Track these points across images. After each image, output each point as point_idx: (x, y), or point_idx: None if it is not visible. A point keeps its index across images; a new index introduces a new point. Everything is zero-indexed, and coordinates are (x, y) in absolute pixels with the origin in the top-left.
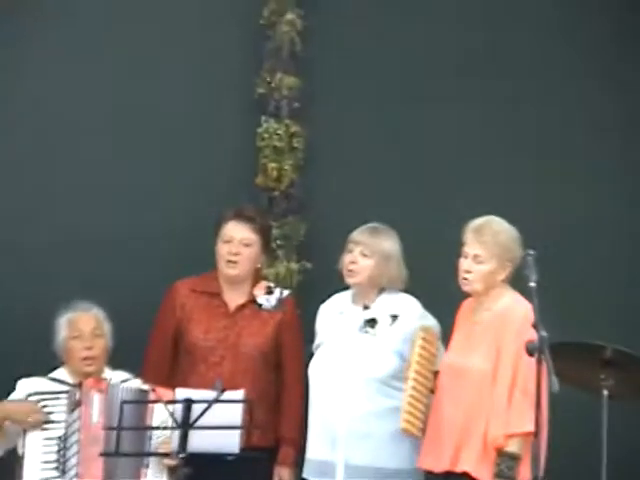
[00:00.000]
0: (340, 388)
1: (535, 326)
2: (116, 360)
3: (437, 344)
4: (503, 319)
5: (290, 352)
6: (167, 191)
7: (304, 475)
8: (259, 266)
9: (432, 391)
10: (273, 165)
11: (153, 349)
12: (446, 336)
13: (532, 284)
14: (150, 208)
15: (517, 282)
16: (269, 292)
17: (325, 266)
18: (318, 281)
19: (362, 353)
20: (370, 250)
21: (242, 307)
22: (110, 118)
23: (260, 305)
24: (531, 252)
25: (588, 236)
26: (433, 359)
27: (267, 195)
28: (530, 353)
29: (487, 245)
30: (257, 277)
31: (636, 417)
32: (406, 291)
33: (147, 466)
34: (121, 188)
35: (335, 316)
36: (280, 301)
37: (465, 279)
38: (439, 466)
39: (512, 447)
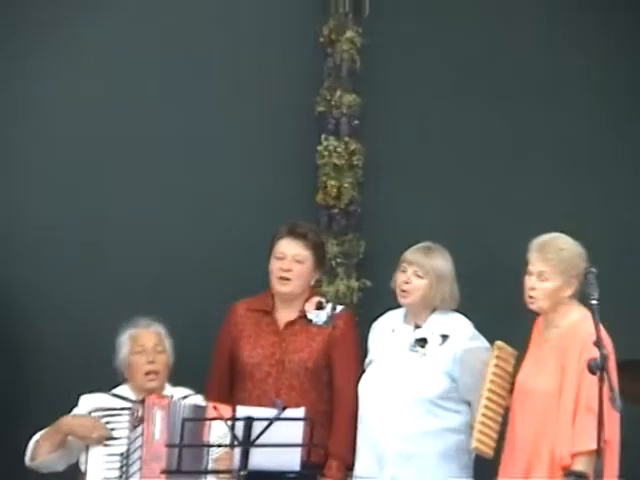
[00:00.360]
0: (388, 407)
1: (596, 343)
2: (178, 376)
3: (513, 361)
4: (569, 336)
5: (340, 368)
6: (228, 209)
7: None
8: (313, 283)
9: (508, 408)
10: (333, 183)
11: (213, 368)
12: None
13: (593, 301)
14: (211, 226)
15: (587, 298)
16: (320, 307)
17: (385, 284)
18: (378, 299)
19: (411, 372)
20: (424, 271)
21: (292, 323)
22: (169, 137)
23: (310, 321)
24: (592, 269)
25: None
26: (508, 377)
27: (327, 213)
28: (592, 371)
29: (551, 262)
30: (311, 294)
31: None
32: (463, 311)
33: None
34: (182, 206)
35: (387, 334)
36: (331, 317)
37: (531, 297)
38: None
39: (578, 466)
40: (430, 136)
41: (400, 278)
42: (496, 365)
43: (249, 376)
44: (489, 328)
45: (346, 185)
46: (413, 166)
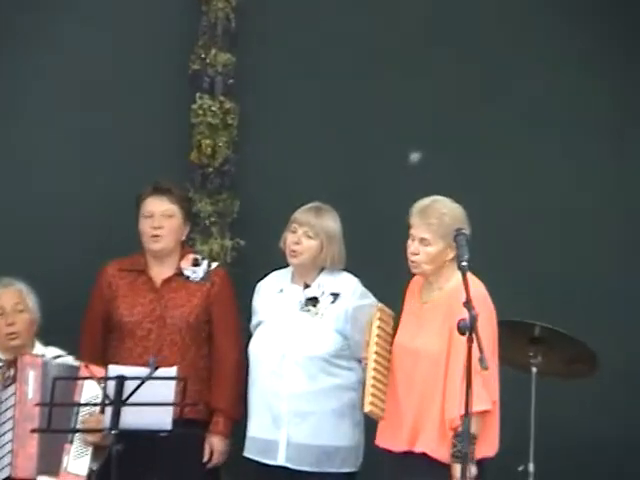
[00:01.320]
0: (282, 367)
1: (466, 305)
2: (49, 336)
3: (392, 323)
4: (454, 298)
5: (221, 323)
6: (100, 168)
7: (245, 454)
8: (184, 238)
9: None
10: (207, 142)
11: (86, 331)
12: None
13: (463, 263)
14: (83, 185)
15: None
16: (196, 264)
17: (259, 243)
18: (252, 258)
19: (303, 331)
20: (314, 231)
21: (169, 280)
22: (43, 98)
23: (187, 277)
24: (463, 231)
25: (520, 217)
26: (390, 339)
27: (201, 172)
28: (462, 332)
29: (432, 227)
30: (184, 250)
31: (563, 392)
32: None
33: (71, 442)
34: (52, 165)
35: (274, 294)
36: (208, 273)
37: (413, 262)
38: (397, 446)
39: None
40: (305, 95)
41: (290, 238)
42: (379, 327)
43: (130, 334)
44: (373, 287)
45: (221, 144)
46: (288, 126)
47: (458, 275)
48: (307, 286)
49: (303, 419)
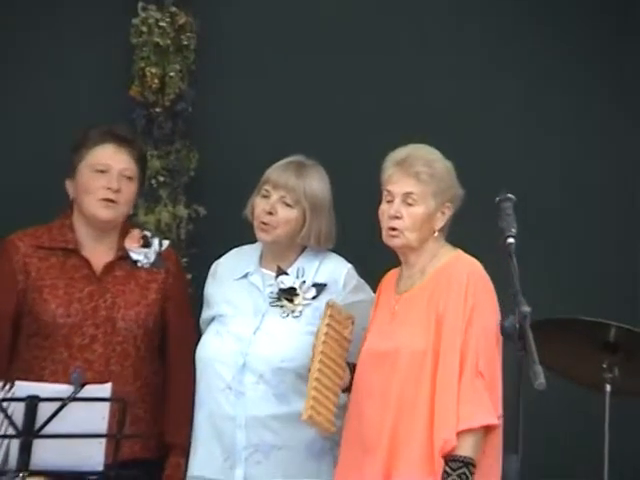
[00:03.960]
0: (240, 381)
1: (514, 297)
2: None
3: (351, 328)
4: (442, 281)
5: (179, 328)
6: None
7: None
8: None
9: (347, 390)
10: (154, 70)
11: None
12: None
13: (510, 240)
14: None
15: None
16: (146, 244)
17: (225, 212)
18: (215, 233)
19: (273, 335)
20: (294, 197)
21: (111, 266)
22: None
23: (135, 262)
24: (509, 195)
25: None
26: (344, 344)
27: (145, 113)
28: (507, 335)
29: (420, 178)
30: (125, 225)
31: None
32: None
33: None
34: None
35: (236, 280)
36: (160, 255)
37: (393, 230)
38: None
39: (463, 450)
40: (289, 6)
41: (260, 206)
42: (328, 325)
43: (64, 341)
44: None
45: (172, 74)
46: (265, 48)
47: (446, 252)
48: (282, 272)
49: (266, 456)
